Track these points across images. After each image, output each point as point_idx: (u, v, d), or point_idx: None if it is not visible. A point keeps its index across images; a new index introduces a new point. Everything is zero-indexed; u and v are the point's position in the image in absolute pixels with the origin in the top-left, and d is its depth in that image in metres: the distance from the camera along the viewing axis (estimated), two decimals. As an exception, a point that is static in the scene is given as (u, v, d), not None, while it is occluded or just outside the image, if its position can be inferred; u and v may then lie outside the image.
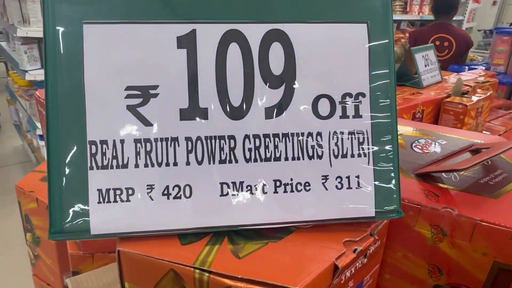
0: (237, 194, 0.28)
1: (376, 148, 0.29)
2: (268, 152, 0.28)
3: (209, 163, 0.27)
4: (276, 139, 0.28)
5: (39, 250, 0.84)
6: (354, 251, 0.28)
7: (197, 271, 0.25)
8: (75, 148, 0.26)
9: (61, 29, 0.26)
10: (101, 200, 0.26)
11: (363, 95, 0.29)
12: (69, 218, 0.26)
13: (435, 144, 0.45)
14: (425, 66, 1.16)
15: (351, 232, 0.29)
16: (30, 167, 1.73)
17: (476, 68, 1.65)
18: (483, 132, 1.10)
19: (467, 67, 1.83)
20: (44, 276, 0.89)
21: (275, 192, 0.28)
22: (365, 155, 0.29)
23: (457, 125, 0.96)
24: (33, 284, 0.91)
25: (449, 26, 1.92)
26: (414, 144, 0.45)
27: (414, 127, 0.52)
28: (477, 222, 0.32)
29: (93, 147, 0.26)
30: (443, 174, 0.39)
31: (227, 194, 0.27)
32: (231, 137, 0.28)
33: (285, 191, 0.28)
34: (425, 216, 0.34)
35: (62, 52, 0.26)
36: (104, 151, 0.26)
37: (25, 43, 1.87)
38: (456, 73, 1.41)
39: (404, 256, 0.37)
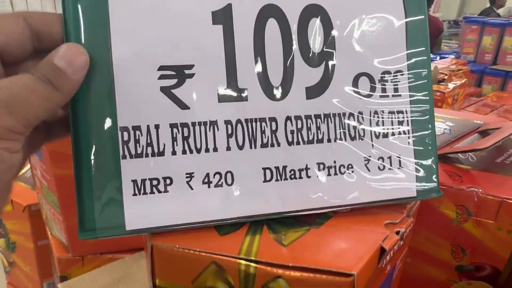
0: (281, 180, 0.26)
1: (415, 127, 0.28)
2: (311, 134, 0.26)
3: (251, 147, 0.26)
4: (318, 120, 0.27)
5: (15, 257, 0.78)
6: (397, 233, 0.27)
7: (243, 261, 0.23)
8: (105, 135, 0.23)
9: (83, 1, 0.23)
10: (137, 192, 0.24)
11: (401, 73, 0.28)
12: (101, 214, 0.23)
13: (444, 127, 0.46)
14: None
15: (389, 215, 0.29)
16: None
17: (446, 57, 1.72)
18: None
19: (438, 56, 1.90)
20: (21, 284, 0.83)
21: (319, 175, 0.27)
22: (405, 134, 0.28)
23: (436, 112, 0.99)
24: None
25: None
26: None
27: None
28: (503, 200, 0.32)
29: (125, 133, 0.24)
30: (460, 155, 0.40)
31: (271, 179, 0.26)
32: (273, 119, 0.26)
33: (329, 174, 0.27)
34: (451, 197, 0.34)
35: (84, 28, 0.23)
36: (137, 138, 0.24)
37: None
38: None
39: (427, 238, 0.37)
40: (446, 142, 0.43)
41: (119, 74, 0.23)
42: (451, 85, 1.07)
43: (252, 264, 0.23)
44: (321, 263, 0.23)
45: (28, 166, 0.73)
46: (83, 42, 0.23)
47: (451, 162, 0.39)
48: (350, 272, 0.22)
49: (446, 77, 1.16)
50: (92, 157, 0.23)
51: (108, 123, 0.23)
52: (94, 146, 0.23)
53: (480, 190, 0.33)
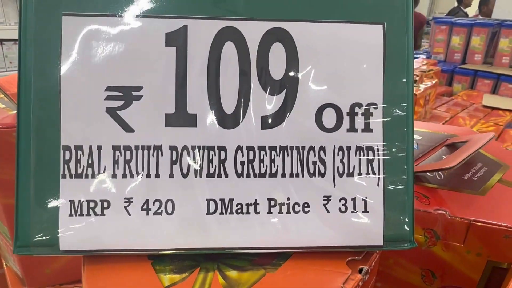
0: (226, 213, 0.24)
1: (388, 167, 0.25)
2: (263, 166, 0.25)
3: (196, 176, 0.24)
4: (273, 152, 0.25)
5: None
6: (360, 271, 0.24)
7: None
8: (47, 153, 0.23)
9: (38, 21, 0.23)
10: (73, 212, 0.23)
11: (375, 106, 0.25)
12: (37, 231, 0.23)
13: None
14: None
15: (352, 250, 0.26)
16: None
17: (418, 57, 1.74)
18: (431, 119, 1.15)
19: None
20: None
21: (269, 212, 0.25)
22: (374, 175, 0.25)
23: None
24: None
25: None
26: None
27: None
28: (471, 222, 0.31)
29: (67, 152, 0.23)
30: (427, 172, 0.36)
31: (215, 212, 0.24)
32: (222, 148, 0.24)
33: (281, 212, 0.25)
34: (419, 221, 0.32)
35: (38, 46, 0.23)
36: (79, 157, 0.23)
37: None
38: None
39: (396, 262, 0.35)
40: (414, 158, 0.39)
41: (66, 91, 0.23)
42: (422, 86, 1.06)
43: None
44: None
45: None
46: (34, 56, 0.23)
47: (418, 181, 0.36)
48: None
49: (417, 78, 1.14)
50: (32, 173, 0.23)
51: (51, 140, 0.23)
52: (35, 162, 0.23)
53: (447, 212, 0.31)
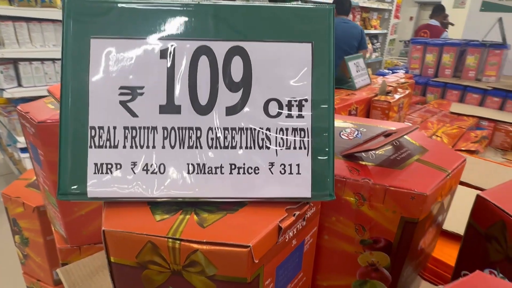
0: (200, 173, 0.35)
1: (314, 142, 0.36)
2: (227, 141, 0.36)
3: (180, 147, 0.35)
4: (233, 131, 0.36)
5: (28, 250, 0.91)
6: (294, 215, 0.35)
7: (170, 240, 0.31)
8: (79, 131, 0.35)
9: (75, 42, 0.35)
10: (96, 171, 0.35)
11: (306, 100, 0.36)
12: (72, 184, 0.35)
13: (357, 132, 0.56)
14: (357, 71, 1.43)
15: (292, 203, 0.36)
16: (12, 178, 1.79)
17: (398, 72, 2.12)
18: (405, 122, 1.33)
19: (390, 72, 2.36)
20: (34, 273, 0.94)
21: (231, 173, 0.36)
22: (305, 148, 0.36)
23: (384, 118, 1.18)
24: (24, 282, 0.97)
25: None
26: (341, 133, 0.55)
27: (343, 120, 0.63)
28: (387, 188, 0.41)
29: (93, 131, 0.35)
30: (363, 153, 0.47)
31: (192, 172, 0.35)
32: (198, 129, 0.35)
33: (239, 173, 0.36)
34: (349, 187, 0.42)
35: (75, 59, 0.35)
36: (100, 134, 0.35)
37: (1, 64, 2.02)
38: (382, 76, 1.83)
39: (337, 219, 0.45)
40: (357, 143, 0.50)
41: (93, 90, 0.35)
42: (396, 96, 1.25)
43: (177, 241, 0.31)
44: (227, 238, 0.31)
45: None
46: (72, 66, 0.34)
47: (355, 159, 0.46)
48: (247, 244, 0.30)
49: (392, 89, 1.33)
50: (70, 145, 0.35)
51: (82, 123, 0.35)
52: (72, 137, 0.35)
53: (371, 181, 0.41)
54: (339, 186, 0.42)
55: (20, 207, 0.82)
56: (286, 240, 0.35)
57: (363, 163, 0.45)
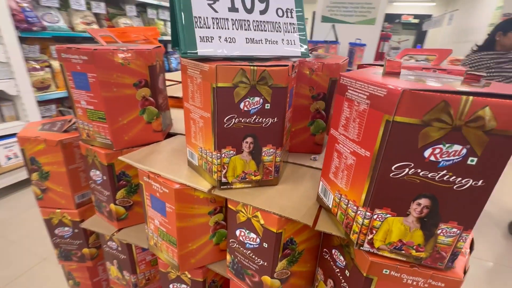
0: (252, 43, 0.67)
1: (298, 27, 0.72)
2: (262, 27, 0.68)
3: (241, 30, 0.66)
4: (264, 23, 0.69)
5: (48, 183, 1.00)
6: (293, 67, 0.71)
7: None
8: (190, 19, 0.62)
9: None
10: (202, 41, 0.62)
11: (292, 9, 0.72)
12: (188, 48, 0.61)
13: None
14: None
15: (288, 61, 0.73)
16: None
17: None
18: None
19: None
20: (54, 203, 1.04)
21: (266, 43, 0.69)
22: (294, 31, 0.72)
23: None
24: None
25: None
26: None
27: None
28: (323, 64, 0.80)
29: (196, 18, 0.62)
30: None
31: (248, 43, 0.67)
32: (248, 20, 0.67)
33: (268, 43, 0.69)
34: (305, 65, 0.80)
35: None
36: (199, 20, 0.63)
37: None
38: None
39: (301, 86, 0.83)
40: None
41: (194, 2, 0.62)
42: None
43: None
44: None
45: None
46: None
47: None
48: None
49: None
50: (185, 27, 0.61)
51: (190, 14, 0.62)
52: (186, 22, 0.61)
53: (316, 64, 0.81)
54: (301, 66, 0.80)
55: (41, 144, 0.89)
56: (292, 77, 0.71)
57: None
